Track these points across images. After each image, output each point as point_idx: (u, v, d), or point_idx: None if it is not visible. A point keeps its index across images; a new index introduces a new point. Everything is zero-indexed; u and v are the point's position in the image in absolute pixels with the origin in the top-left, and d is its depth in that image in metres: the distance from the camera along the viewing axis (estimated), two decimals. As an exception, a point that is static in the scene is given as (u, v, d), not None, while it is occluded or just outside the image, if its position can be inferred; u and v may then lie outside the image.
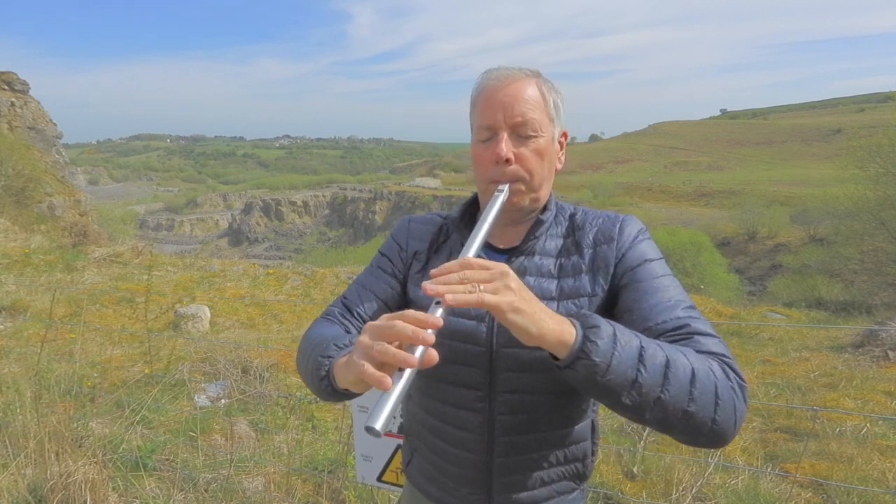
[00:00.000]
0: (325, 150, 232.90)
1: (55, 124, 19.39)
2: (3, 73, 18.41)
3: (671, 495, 2.51)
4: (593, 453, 0.98)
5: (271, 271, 8.45)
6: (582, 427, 0.94)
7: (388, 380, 0.61)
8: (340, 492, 2.40)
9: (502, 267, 0.68)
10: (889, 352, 5.09)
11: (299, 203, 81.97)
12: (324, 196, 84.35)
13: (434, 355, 0.63)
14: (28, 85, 18.73)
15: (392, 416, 0.59)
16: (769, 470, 2.80)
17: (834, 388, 4.34)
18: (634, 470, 2.77)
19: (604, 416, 3.27)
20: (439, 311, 0.66)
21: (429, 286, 0.65)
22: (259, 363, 3.91)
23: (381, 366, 0.64)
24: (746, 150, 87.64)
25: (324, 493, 2.38)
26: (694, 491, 2.53)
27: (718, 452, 2.89)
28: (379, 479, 1.79)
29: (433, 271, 0.68)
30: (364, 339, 0.65)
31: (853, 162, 17.00)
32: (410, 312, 0.64)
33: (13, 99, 18.06)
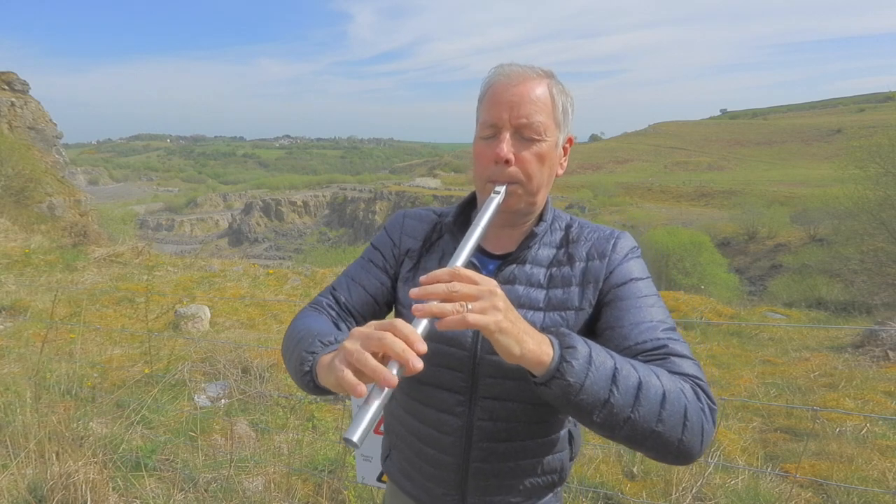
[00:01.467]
0: (325, 150, 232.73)
1: (55, 124, 19.37)
2: (3, 73, 18.40)
3: (671, 495, 2.51)
4: (571, 460, 0.98)
5: (271, 271, 8.45)
6: (559, 437, 0.95)
7: (363, 388, 0.61)
8: (340, 492, 2.40)
9: (491, 284, 0.68)
10: (889, 352, 5.09)
11: (299, 203, 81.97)
12: (324, 196, 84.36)
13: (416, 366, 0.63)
14: (28, 85, 18.72)
15: (370, 428, 0.59)
16: (769, 470, 2.80)
17: (834, 388, 4.34)
18: (634, 470, 2.77)
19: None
20: (423, 325, 0.66)
21: (417, 308, 0.65)
22: (259, 363, 3.91)
23: (361, 373, 0.63)
24: (746, 150, 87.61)
25: (324, 493, 2.38)
26: (694, 491, 2.53)
27: (718, 452, 2.89)
28: (379, 479, 1.79)
29: (422, 279, 0.68)
30: (349, 344, 0.65)
31: (853, 162, 16.99)
32: (401, 325, 0.63)
33: (13, 99, 18.05)
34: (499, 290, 0.68)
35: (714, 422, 0.75)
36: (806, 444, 3.16)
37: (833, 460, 3.00)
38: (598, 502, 2.52)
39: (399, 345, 0.61)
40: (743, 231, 30.60)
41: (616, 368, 0.70)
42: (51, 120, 19.24)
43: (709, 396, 0.75)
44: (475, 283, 0.67)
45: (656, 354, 0.78)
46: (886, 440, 3.27)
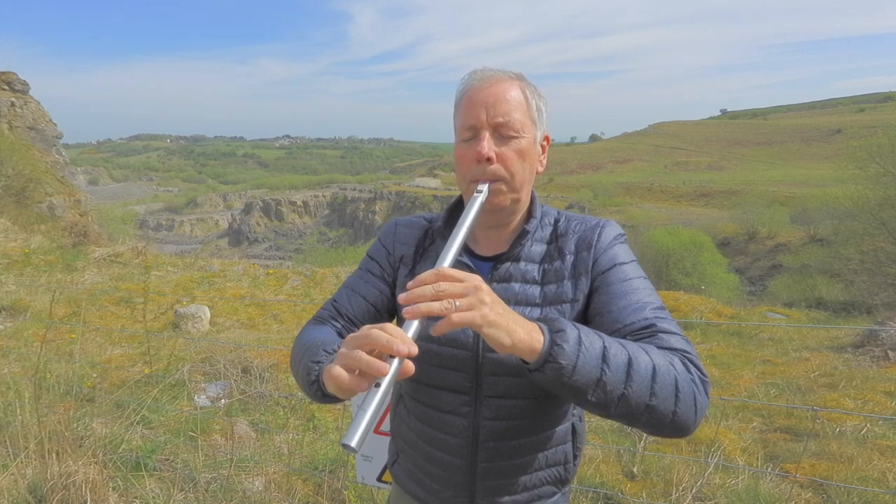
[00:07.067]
0: (325, 150, 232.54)
1: (55, 124, 19.36)
2: (3, 73, 18.38)
3: (671, 495, 2.51)
4: (576, 457, 0.99)
5: (271, 271, 8.45)
6: (562, 430, 0.96)
7: (364, 383, 0.63)
8: (340, 492, 2.40)
9: (476, 280, 0.69)
10: (889, 352, 5.09)
11: (299, 203, 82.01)
12: (324, 196, 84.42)
13: (410, 368, 0.64)
14: (28, 85, 18.70)
15: (367, 432, 0.60)
16: (769, 470, 2.80)
17: (834, 388, 4.34)
18: (634, 470, 2.77)
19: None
20: (414, 326, 0.67)
21: (407, 311, 0.66)
22: (259, 363, 3.91)
23: (362, 375, 0.65)
24: (746, 150, 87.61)
25: (324, 493, 2.38)
26: (694, 491, 2.53)
27: (718, 452, 2.89)
28: (379, 479, 1.79)
29: (409, 283, 0.69)
30: (343, 348, 0.67)
31: (853, 162, 17.01)
32: (389, 326, 0.66)
33: (13, 99, 18.04)
34: (484, 285, 0.69)
35: (707, 393, 0.76)
36: (806, 444, 3.16)
37: (833, 460, 3.00)
38: (598, 502, 2.51)
39: (384, 336, 0.63)
40: (743, 231, 30.63)
41: (605, 347, 0.71)
42: (51, 120, 19.23)
43: (699, 368, 0.77)
44: (460, 280, 0.68)
45: (645, 333, 0.80)
46: (886, 440, 3.27)
